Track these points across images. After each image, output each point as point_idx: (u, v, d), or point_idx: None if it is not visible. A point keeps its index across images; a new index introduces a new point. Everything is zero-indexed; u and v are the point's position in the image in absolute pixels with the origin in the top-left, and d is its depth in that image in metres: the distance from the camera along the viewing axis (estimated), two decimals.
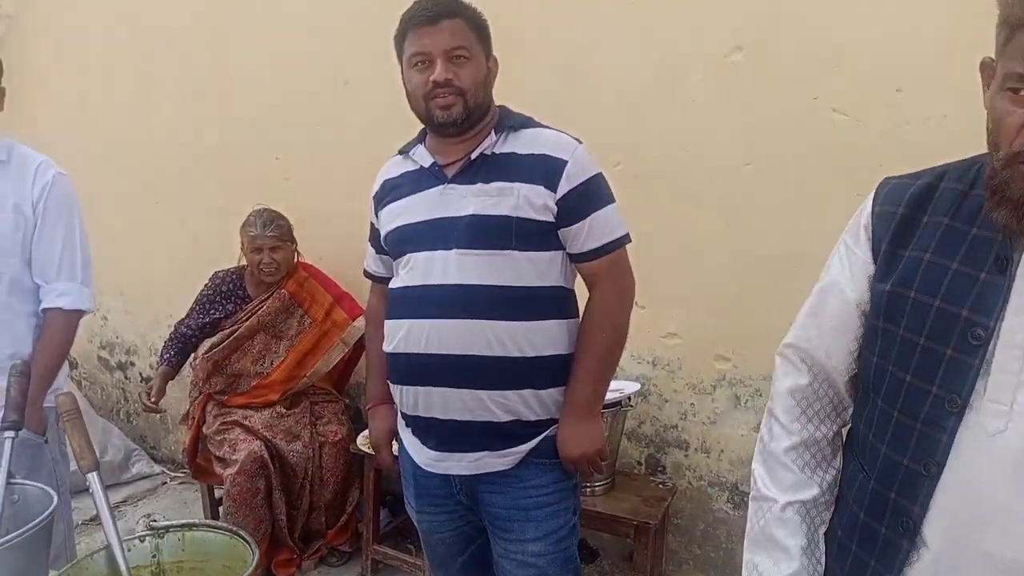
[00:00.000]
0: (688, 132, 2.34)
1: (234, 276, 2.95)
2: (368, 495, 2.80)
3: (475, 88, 1.55)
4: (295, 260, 2.94)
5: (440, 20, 1.51)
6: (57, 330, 1.93)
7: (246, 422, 2.80)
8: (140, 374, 3.98)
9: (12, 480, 1.25)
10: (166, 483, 3.68)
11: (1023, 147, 0.85)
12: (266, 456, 2.71)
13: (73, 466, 1.45)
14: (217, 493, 2.95)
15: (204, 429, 2.89)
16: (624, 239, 1.63)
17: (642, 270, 2.32)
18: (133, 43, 3.59)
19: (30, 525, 1.13)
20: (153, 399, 2.81)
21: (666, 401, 2.51)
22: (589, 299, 1.65)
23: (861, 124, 2.08)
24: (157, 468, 3.80)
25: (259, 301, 2.88)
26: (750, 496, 1.15)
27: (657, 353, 2.51)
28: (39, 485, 1.26)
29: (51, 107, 3.98)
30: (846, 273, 1.07)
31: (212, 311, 2.92)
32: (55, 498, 1.22)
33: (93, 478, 1.14)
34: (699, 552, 2.53)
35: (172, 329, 2.98)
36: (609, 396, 1.96)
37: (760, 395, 2.33)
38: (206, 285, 2.96)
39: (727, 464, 2.43)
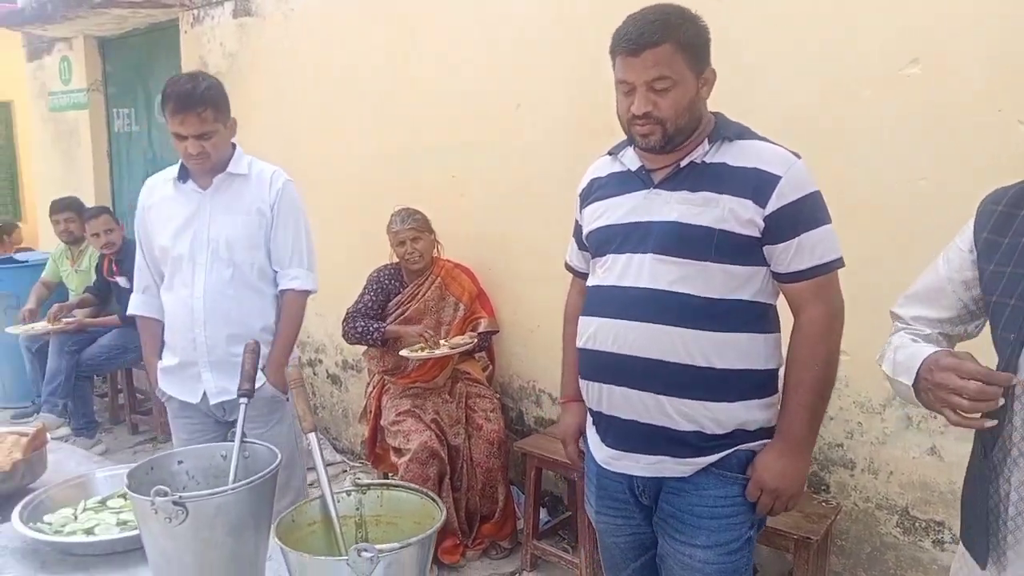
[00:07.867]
0: (858, 148, 2.31)
1: (391, 269, 3.25)
2: (529, 493, 2.95)
3: (676, 116, 1.51)
4: (436, 249, 3.23)
5: (643, 51, 1.48)
6: (293, 307, 2.40)
7: (418, 412, 3.04)
8: (327, 371, 4.38)
9: (245, 439, 1.49)
10: (345, 471, 4.03)
11: None
12: (436, 445, 2.94)
13: None
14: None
15: (381, 421, 3.17)
16: (835, 263, 1.55)
17: None
18: (329, 75, 4.02)
19: (254, 477, 1.35)
20: (428, 333, 3.03)
21: (831, 419, 2.46)
22: (795, 325, 1.58)
23: None
24: (339, 457, 4.17)
25: (415, 286, 3.18)
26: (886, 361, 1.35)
27: None
28: (267, 445, 1.48)
29: (260, 132, 4.48)
30: (946, 256, 1.35)
31: (379, 294, 3.20)
32: (278, 456, 1.44)
33: (312, 437, 1.35)
34: None
35: (350, 316, 3.18)
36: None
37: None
38: (369, 277, 3.26)
39: (896, 487, 2.35)
